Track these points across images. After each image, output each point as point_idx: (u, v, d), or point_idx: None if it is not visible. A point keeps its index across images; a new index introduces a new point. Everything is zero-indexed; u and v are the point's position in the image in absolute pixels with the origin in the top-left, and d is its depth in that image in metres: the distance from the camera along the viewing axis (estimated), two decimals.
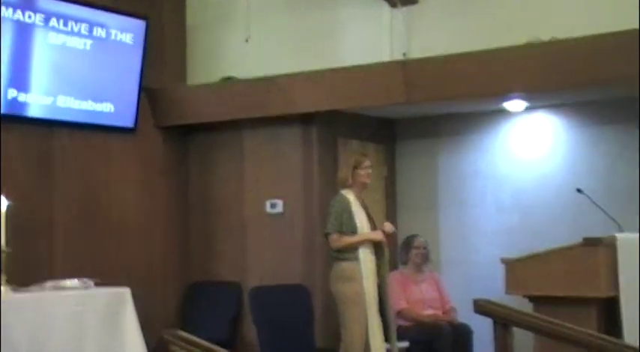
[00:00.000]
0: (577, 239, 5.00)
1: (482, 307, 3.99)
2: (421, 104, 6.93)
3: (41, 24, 6.49)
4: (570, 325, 3.94)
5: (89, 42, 6.81)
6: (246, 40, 7.36)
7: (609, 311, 4.89)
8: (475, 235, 7.57)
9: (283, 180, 7.37)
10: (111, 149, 7.24)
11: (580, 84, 6.26)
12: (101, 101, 7.00)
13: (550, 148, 7.35)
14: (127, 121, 7.21)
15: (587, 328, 4.22)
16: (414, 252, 6.95)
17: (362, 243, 5.91)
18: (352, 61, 6.84)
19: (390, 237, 6.13)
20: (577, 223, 6.89)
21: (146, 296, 7.16)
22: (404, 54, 6.76)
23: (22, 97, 6.48)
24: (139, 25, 7.09)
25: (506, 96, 6.88)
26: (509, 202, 7.45)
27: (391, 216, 7.85)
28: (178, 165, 7.77)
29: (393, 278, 6.92)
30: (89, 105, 6.93)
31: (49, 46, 6.57)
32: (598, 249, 4.88)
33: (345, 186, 6.07)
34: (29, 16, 6.42)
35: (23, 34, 6.41)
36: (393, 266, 7.50)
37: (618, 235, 5.09)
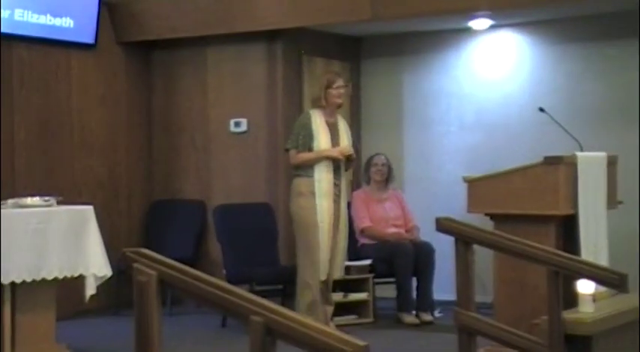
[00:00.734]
0: (538, 157, 5.03)
1: (443, 225, 4.03)
2: (386, 21, 6.88)
3: None
4: (530, 242, 4.00)
5: None
6: None
7: (568, 229, 4.97)
8: (438, 153, 7.62)
9: (247, 98, 7.33)
10: (71, 65, 7.13)
11: (545, 0, 6.24)
12: (60, 16, 6.85)
13: (514, 67, 7.35)
14: (88, 37, 7.08)
15: (546, 245, 4.30)
16: (372, 169, 6.97)
17: (317, 160, 5.91)
18: None
19: (351, 159, 6.08)
20: (539, 142, 6.95)
21: (109, 214, 7.18)
22: None
23: None
24: None
25: (472, 14, 6.84)
26: (473, 121, 7.49)
27: (355, 134, 7.86)
28: (141, 82, 7.68)
29: (357, 197, 6.97)
30: (48, 19, 6.78)
31: None
32: (558, 168, 4.92)
33: (318, 105, 6.04)
34: None
35: None
36: (357, 186, 7.55)
37: (578, 154, 5.13)
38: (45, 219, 5.11)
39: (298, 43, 7.30)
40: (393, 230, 6.84)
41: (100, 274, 5.29)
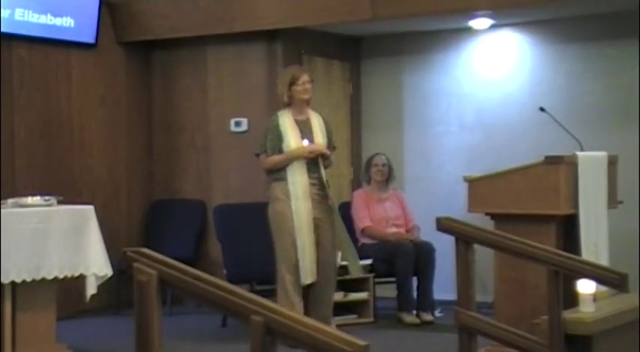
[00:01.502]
0: (539, 157, 5.03)
1: (444, 225, 4.03)
2: (387, 21, 6.87)
3: None
4: (530, 242, 4.00)
5: None
6: None
7: (568, 229, 4.97)
8: (438, 153, 7.62)
9: (248, 98, 7.33)
10: (72, 65, 7.13)
11: (545, 0, 6.24)
12: (61, 15, 6.85)
13: (514, 67, 7.35)
14: (88, 37, 7.08)
15: (547, 245, 4.30)
16: (373, 169, 6.97)
17: (288, 162, 5.61)
18: None
19: (325, 156, 5.68)
20: (539, 141, 6.96)
21: (109, 214, 7.17)
22: None
23: None
24: None
25: (472, 14, 6.84)
26: (473, 120, 7.49)
27: (356, 134, 7.88)
28: (141, 82, 7.68)
29: (357, 196, 6.97)
30: (48, 19, 6.78)
31: None
32: (559, 168, 4.92)
33: (284, 104, 5.73)
34: None
35: None
36: (357, 185, 7.56)
37: (579, 154, 5.13)
38: (45, 218, 5.11)
39: (298, 43, 7.30)
40: (393, 230, 6.84)
41: (101, 274, 5.29)
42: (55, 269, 5.10)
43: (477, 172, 5.38)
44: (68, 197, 5.97)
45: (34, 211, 5.11)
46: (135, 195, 7.61)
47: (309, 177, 5.65)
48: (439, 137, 7.62)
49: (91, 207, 5.38)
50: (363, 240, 6.82)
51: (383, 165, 6.98)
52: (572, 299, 4.25)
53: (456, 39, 7.47)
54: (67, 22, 6.90)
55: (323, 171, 5.72)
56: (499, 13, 6.81)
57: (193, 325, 6.54)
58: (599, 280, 3.95)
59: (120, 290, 6.75)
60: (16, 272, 4.93)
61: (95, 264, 5.25)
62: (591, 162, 5.10)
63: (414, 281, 6.64)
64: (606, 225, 5.18)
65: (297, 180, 5.62)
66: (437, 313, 6.64)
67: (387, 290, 6.81)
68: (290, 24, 6.92)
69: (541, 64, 7.25)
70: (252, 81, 7.29)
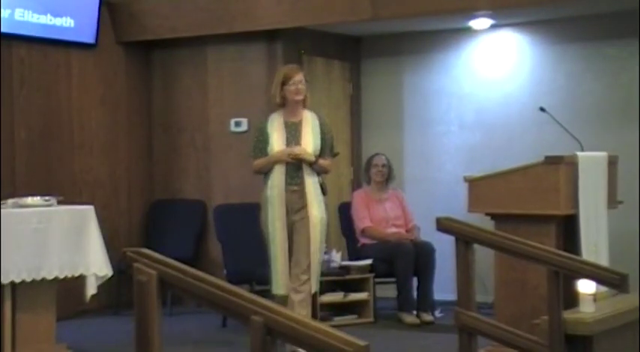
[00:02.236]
0: (539, 157, 5.03)
1: (444, 225, 4.03)
2: (386, 21, 6.87)
3: None
4: (530, 242, 4.00)
5: None
6: None
7: (568, 229, 4.97)
8: (438, 153, 7.62)
9: (248, 98, 7.33)
10: (72, 65, 7.13)
11: (545, 0, 6.24)
12: (61, 15, 6.85)
13: (514, 66, 7.35)
14: (88, 37, 7.08)
15: (547, 245, 4.30)
16: (373, 170, 6.97)
17: (268, 165, 5.36)
18: None
19: (306, 161, 5.32)
20: (539, 141, 6.96)
21: (109, 214, 7.17)
22: None
23: None
24: None
25: (472, 14, 6.84)
26: (473, 120, 7.48)
27: (356, 134, 7.87)
28: (141, 82, 7.67)
29: (357, 197, 6.97)
30: (48, 19, 6.78)
31: None
32: (559, 168, 4.92)
33: (277, 105, 5.47)
34: None
35: None
36: (357, 186, 7.56)
37: (579, 154, 5.13)
38: (45, 218, 5.10)
39: (298, 43, 7.30)
40: (393, 230, 6.83)
41: (101, 274, 5.29)
42: (55, 269, 5.10)
43: (477, 172, 5.38)
44: (68, 197, 5.96)
45: (34, 211, 5.11)
46: (135, 195, 7.61)
47: (289, 183, 5.33)
48: (439, 137, 7.62)
49: (91, 207, 5.38)
50: (363, 241, 6.82)
51: (383, 165, 6.97)
52: (572, 299, 4.26)
53: (456, 39, 7.47)
54: (67, 22, 6.90)
55: (311, 177, 5.35)
56: (499, 13, 6.81)
57: (193, 325, 6.54)
58: (599, 280, 3.95)
59: (120, 290, 6.75)
60: (16, 272, 4.93)
61: (95, 264, 5.25)
62: (591, 162, 5.10)
63: (414, 281, 6.64)
64: (606, 225, 5.17)
65: (276, 184, 5.33)
66: (437, 313, 6.64)
67: (387, 291, 6.81)
68: (290, 24, 6.92)
69: (541, 64, 7.25)
70: (252, 81, 7.29)
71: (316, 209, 5.34)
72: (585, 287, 4.16)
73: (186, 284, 2.50)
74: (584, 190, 4.97)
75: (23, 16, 6.61)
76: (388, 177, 7.00)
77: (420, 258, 6.61)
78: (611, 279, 3.83)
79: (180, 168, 7.63)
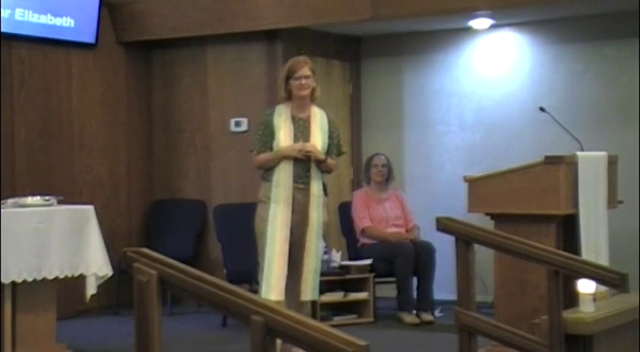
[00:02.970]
0: (539, 157, 5.03)
1: (444, 224, 4.03)
2: (386, 21, 6.87)
3: None
4: (530, 242, 4.00)
5: None
6: None
7: (568, 229, 4.97)
8: (438, 153, 7.62)
9: (248, 98, 7.33)
10: (72, 65, 7.13)
11: (545, 0, 6.24)
12: (61, 15, 6.85)
13: (514, 66, 7.35)
14: (88, 36, 7.08)
15: (547, 245, 4.30)
16: (373, 170, 6.97)
17: (275, 161, 5.09)
18: None
19: (317, 160, 5.10)
20: (539, 141, 6.97)
21: (109, 214, 7.17)
22: None
23: None
24: None
25: (472, 14, 6.84)
26: (473, 120, 7.49)
27: (356, 134, 7.87)
28: (141, 82, 7.68)
29: (357, 197, 6.97)
30: (48, 19, 6.78)
31: None
32: (559, 167, 4.92)
33: (283, 98, 5.21)
34: None
35: None
36: (357, 186, 7.56)
37: (579, 153, 5.13)
38: (45, 218, 5.10)
39: (298, 43, 7.29)
40: (393, 230, 6.84)
41: (101, 274, 5.29)
42: (55, 269, 5.10)
43: (476, 172, 5.38)
44: (68, 197, 5.97)
45: (34, 211, 5.11)
46: (135, 195, 7.61)
47: (296, 181, 5.09)
48: (439, 137, 7.62)
49: (91, 207, 5.38)
50: (363, 240, 6.82)
51: (382, 165, 6.97)
52: (572, 299, 4.26)
53: (456, 39, 7.47)
54: (67, 22, 6.90)
55: (318, 176, 5.15)
56: (499, 13, 6.81)
57: (193, 325, 6.54)
58: (599, 280, 3.95)
59: (120, 290, 6.75)
60: (16, 272, 4.93)
61: (95, 264, 5.25)
62: (591, 162, 5.10)
63: (414, 281, 6.64)
64: (606, 224, 5.17)
65: (282, 181, 5.07)
66: (437, 313, 6.64)
67: (387, 290, 6.81)
68: (290, 24, 6.92)
69: (541, 63, 7.25)
70: (252, 81, 7.29)
71: (318, 211, 5.15)
72: (585, 287, 4.16)
73: (186, 284, 2.50)
74: (584, 190, 4.97)
75: (23, 16, 6.62)
76: (388, 177, 7.00)
77: (420, 258, 6.61)
78: (611, 279, 3.83)
79: (180, 168, 7.63)
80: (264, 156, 5.15)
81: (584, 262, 4.08)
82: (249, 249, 6.57)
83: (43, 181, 6.78)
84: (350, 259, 6.80)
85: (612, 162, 5.35)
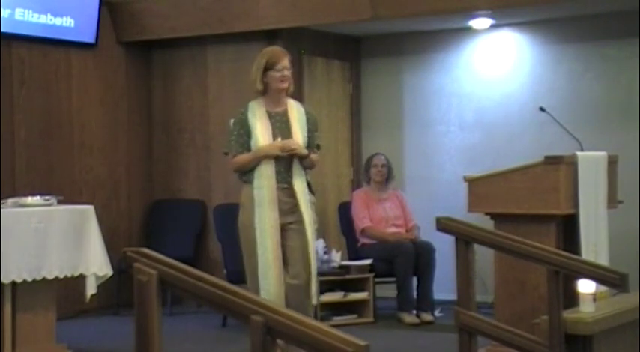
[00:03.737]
0: (539, 157, 5.03)
1: (444, 224, 4.03)
2: (387, 21, 6.87)
3: None
4: (530, 242, 4.00)
5: None
6: None
7: (568, 228, 4.97)
8: (438, 153, 7.62)
9: (247, 98, 7.28)
10: (72, 65, 7.13)
11: (545, 0, 6.24)
12: (61, 15, 6.85)
13: (514, 66, 7.36)
14: (88, 36, 7.08)
15: (547, 245, 4.30)
16: (373, 170, 6.98)
17: (254, 161, 4.79)
18: None
19: (299, 155, 4.81)
20: (539, 141, 6.97)
21: (109, 214, 7.17)
22: None
23: None
24: None
25: (472, 14, 6.85)
26: (473, 120, 7.49)
27: (356, 134, 7.87)
28: (141, 82, 7.68)
29: (357, 197, 6.97)
30: (48, 19, 6.78)
31: None
32: (559, 167, 4.92)
33: (258, 93, 4.89)
34: None
35: None
36: (357, 186, 7.56)
37: (579, 153, 5.13)
38: (45, 218, 5.10)
39: (298, 43, 7.30)
40: (393, 230, 6.84)
41: (101, 273, 5.29)
42: (55, 269, 5.10)
43: (476, 172, 5.38)
44: (68, 197, 5.97)
45: (34, 211, 5.11)
46: (135, 195, 7.61)
47: (278, 180, 4.79)
48: (439, 137, 7.62)
49: (91, 207, 5.38)
50: (363, 240, 6.83)
51: (382, 165, 6.97)
52: (572, 298, 4.26)
53: (456, 39, 7.48)
54: (67, 22, 6.90)
55: (300, 173, 4.85)
56: (499, 13, 6.81)
57: (193, 325, 6.54)
58: (599, 280, 3.95)
59: (120, 290, 6.75)
60: (16, 272, 4.93)
61: (95, 264, 5.25)
62: (591, 162, 5.10)
63: (414, 281, 6.64)
64: (606, 224, 5.18)
65: (264, 183, 4.77)
66: (437, 313, 6.64)
67: (387, 290, 6.81)
68: (290, 24, 6.92)
69: (541, 63, 7.25)
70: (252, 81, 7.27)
71: (308, 210, 4.84)
72: (585, 286, 4.17)
73: (186, 284, 2.50)
74: (584, 190, 4.97)
75: (23, 16, 6.62)
76: (388, 177, 7.01)
77: (420, 258, 6.61)
78: (611, 279, 3.83)
79: (180, 168, 7.63)
80: (243, 158, 4.83)
81: (584, 262, 4.08)
82: None
83: (43, 181, 6.78)
84: (350, 259, 6.80)
85: (612, 162, 5.35)
